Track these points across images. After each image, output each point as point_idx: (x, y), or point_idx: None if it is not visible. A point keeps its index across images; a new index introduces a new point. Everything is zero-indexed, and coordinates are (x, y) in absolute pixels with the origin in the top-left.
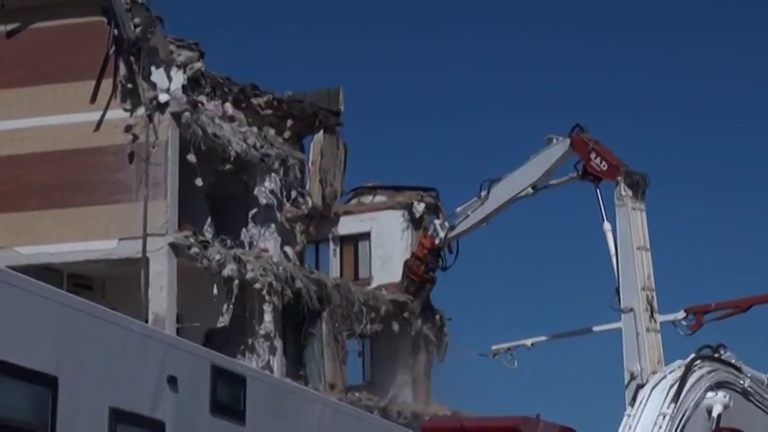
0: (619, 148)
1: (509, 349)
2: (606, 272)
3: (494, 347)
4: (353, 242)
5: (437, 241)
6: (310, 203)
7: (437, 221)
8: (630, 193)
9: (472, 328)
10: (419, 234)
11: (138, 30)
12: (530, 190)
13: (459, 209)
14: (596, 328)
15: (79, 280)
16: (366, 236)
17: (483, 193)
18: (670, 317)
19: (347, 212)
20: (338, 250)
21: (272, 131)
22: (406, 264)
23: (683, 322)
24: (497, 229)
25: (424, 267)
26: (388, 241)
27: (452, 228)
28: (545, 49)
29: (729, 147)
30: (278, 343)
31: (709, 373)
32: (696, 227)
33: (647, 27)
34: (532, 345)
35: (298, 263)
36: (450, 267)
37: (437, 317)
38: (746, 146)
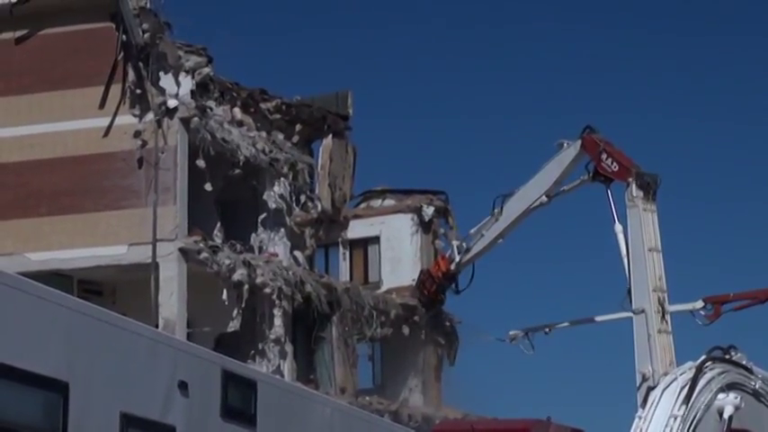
0: (630, 146)
1: (526, 334)
2: (618, 272)
3: (511, 332)
4: (363, 246)
5: (453, 266)
6: (319, 207)
7: (455, 242)
8: (641, 194)
9: (484, 325)
10: (428, 237)
11: (146, 35)
12: (544, 199)
13: (473, 230)
14: (600, 318)
15: (89, 286)
16: (375, 239)
17: (496, 211)
18: (688, 306)
19: (356, 216)
20: (348, 254)
21: (280, 136)
22: (420, 277)
23: (701, 312)
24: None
25: (436, 288)
26: (397, 245)
27: (468, 250)
28: (554, 51)
29: (739, 144)
30: (288, 347)
31: (720, 374)
32: (713, 219)
33: (655, 27)
34: (550, 330)
35: (307, 267)
36: (463, 291)
37: (447, 320)
38: (755, 142)
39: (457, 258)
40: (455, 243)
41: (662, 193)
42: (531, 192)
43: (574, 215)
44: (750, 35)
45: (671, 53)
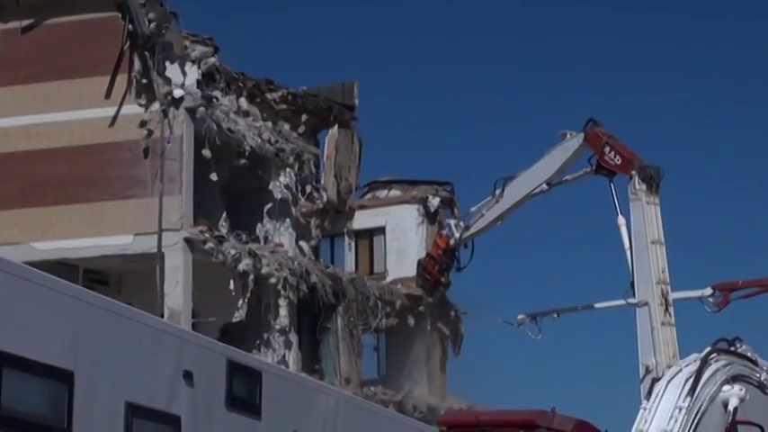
0: (636, 132)
1: (535, 318)
2: (621, 262)
3: (519, 316)
4: (368, 236)
5: (452, 242)
6: (325, 198)
7: (452, 221)
8: (644, 187)
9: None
10: (434, 228)
11: (152, 25)
12: (544, 186)
13: (473, 208)
14: (600, 305)
15: (95, 275)
16: (381, 230)
17: (497, 192)
18: (697, 293)
19: (362, 207)
20: (353, 245)
21: (286, 126)
22: (419, 263)
23: (710, 299)
24: (510, 222)
25: (438, 267)
26: (402, 235)
27: (467, 227)
28: (558, 41)
29: (751, 129)
30: (293, 337)
31: (725, 366)
32: (723, 205)
33: (660, 11)
34: (558, 315)
35: (313, 257)
36: (465, 268)
37: (452, 311)
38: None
39: (456, 234)
40: (452, 221)
41: (671, 178)
42: (533, 178)
43: (579, 203)
44: (758, 17)
45: (677, 37)
